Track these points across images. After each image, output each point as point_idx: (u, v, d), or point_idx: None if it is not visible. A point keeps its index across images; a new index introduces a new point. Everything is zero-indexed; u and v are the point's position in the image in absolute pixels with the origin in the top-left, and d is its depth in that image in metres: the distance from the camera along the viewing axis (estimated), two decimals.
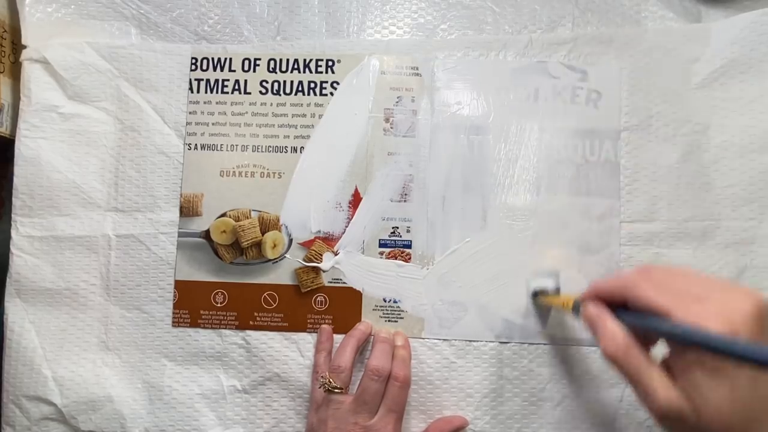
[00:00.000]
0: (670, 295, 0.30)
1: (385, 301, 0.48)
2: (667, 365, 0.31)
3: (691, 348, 0.29)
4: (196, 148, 0.49)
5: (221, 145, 0.49)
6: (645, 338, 0.32)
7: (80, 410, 0.47)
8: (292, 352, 0.48)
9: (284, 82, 0.50)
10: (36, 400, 0.47)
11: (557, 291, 0.47)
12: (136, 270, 0.49)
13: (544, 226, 0.48)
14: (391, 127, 0.49)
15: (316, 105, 0.49)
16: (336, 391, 0.43)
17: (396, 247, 0.48)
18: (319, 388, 0.44)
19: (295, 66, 0.50)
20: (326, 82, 0.50)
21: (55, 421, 0.48)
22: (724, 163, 0.47)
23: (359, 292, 0.48)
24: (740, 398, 0.28)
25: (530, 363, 0.47)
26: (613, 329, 0.32)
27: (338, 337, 0.48)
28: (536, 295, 0.47)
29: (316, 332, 0.48)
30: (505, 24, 0.50)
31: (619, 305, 0.34)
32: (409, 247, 0.48)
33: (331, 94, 0.50)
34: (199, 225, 0.49)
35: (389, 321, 0.48)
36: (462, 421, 0.46)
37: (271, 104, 0.50)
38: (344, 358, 0.44)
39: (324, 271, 0.48)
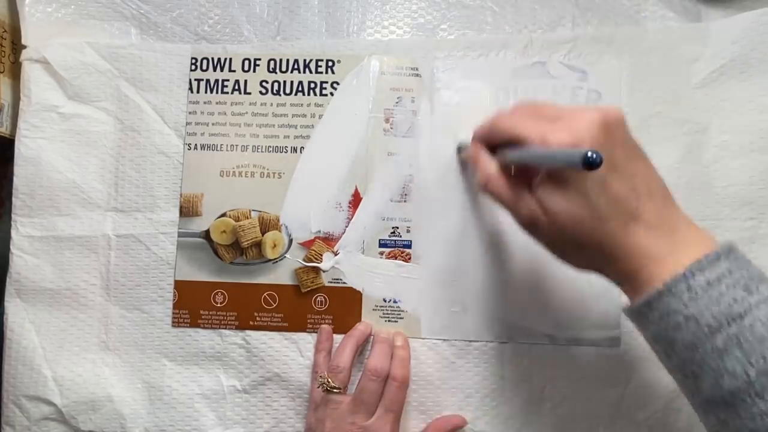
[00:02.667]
0: (530, 123, 0.33)
1: (385, 301, 0.48)
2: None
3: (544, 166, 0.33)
4: (196, 148, 0.49)
5: (221, 145, 0.49)
6: (529, 170, 0.35)
7: (80, 410, 0.47)
8: (292, 352, 0.48)
9: (284, 82, 0.50)
10: (36, 400, 0.47)
11: None
12: (136, 270, 0.49)
13: None
14: (391, 127, 0.49)
15: (316, 105, 0.49)
16: (334, 391, 0.43)
17: (396, 247, 0.48)
18: (318, 387, 0.44)
19: (295, 66, 0.50)
20: (326, 82, 0.50)
21: (55, 421, 0.48)
22: (724, 162, 0.47)
23: (359, 292, 0.48)
24: (587, 202, 0.31)
25: (530, 363, 0.47)
26: (485, 163, 0.36)
27: (338, 338, 0.48)
28: (459, 150, 0.47)
29: (316, 332, 0.48)
30: (505, 24, 0.50)
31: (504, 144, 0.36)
32: (409, 247, 0.48)
33: (331, 94, 0.50)
34: (199, 225, 0.49)
35: (389, 321, 0.48)
36: (460, 420, 0.46)
37: (271, 104, 0.50)
38: (343, 359, 0.44)
39: (324, 271, 0.48)
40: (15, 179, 0.49)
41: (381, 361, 0.44)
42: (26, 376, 0.48)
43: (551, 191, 0.32)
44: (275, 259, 0.48)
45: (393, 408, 0.43)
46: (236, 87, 0.50)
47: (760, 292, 0.29)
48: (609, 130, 0.32)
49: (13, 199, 0.49)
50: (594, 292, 0.47)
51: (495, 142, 0.37)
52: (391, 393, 0.43)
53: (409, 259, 0.48)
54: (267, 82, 0.50)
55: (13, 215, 0.49)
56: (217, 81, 0.50)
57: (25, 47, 0.49)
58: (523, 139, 0.33)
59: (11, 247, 0.48)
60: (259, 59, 0.50)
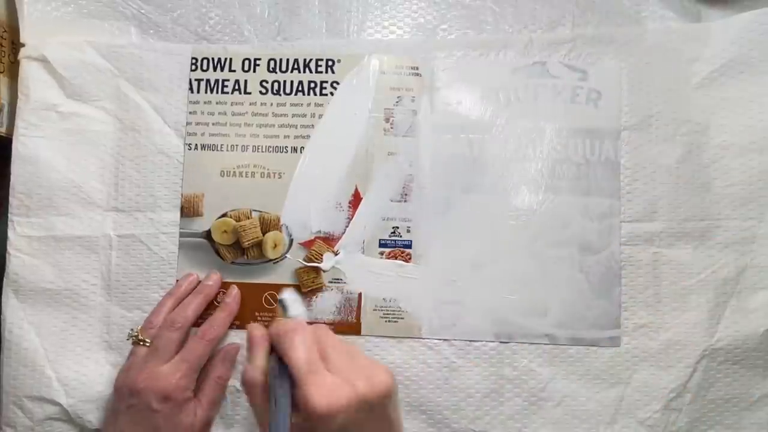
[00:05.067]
0: (307, 356, 0.34)
1: (385, 301, 0.48)
2: None
3: None
4: (196, 148, 0.49)
5: (221, 145, 0.49)
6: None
7: (87, 409, 0.47)
8: None
9: (284, 82, 0.50)
10: (40, 400, 0.47)
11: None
12: (137, 270, 0.49)
13: (545, 225, 0.48)
14: (391, 127, 0.49)
15: (316, 105, 0.49)
16: (141, 343, 0.44)
17: (396, 247, 0.48)
18: (127, 339, 0.45)
19: (295, 66, 0.50)
20: (326, 82, 0.50)
21: (59, 420, 0.47)
22: (724, 162, 0.47)
23: (359, 292, 0.48)
24: None
25: (530, 363, 0.47)
26: (258, 363, 0.36)
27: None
28: (281, 303, 0.41)
29: None
30: (505, 24, 0.50)
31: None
32: (409, 247, 0.48)
33: (331, 94, 0.50)
34: (200, 225, 0.49)
35: (389, 321, 0.48)
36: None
37: (271, 104, 0.50)
38: (158, 318, 0.45)
39: (324, 271, 0.48)
40: (12, 178, 0.48)
41: (181, 312, 0.45)
42: (28, 377, 0.47)
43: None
44: (276, 259, 0.48)
45: (188, 358, 0.43)
46: (236, 87, 0.50)
47: None
48: (363, 413, 0.33)
49: (11, 198, 0.48)
50: (594, 292, 0.47)
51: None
52: (192, 345, 0.44)
53: (409, 259, 0.48)
54: (267, 82, 0.50)
55: (10, 215, 0.48)
56: (217, 81, 0.50)
57: (23, 45, 0.49)
58: (295, 374, 0.33)
59: (8, 247, 0.48)
60: (259, 59, 0.50)
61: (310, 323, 0.38)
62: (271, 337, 0.37)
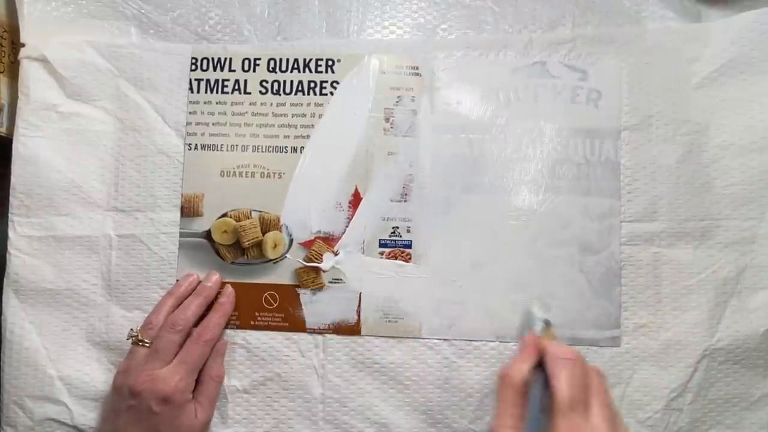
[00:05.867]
0: (572, 396, 0.35)
1: (385, 301, 0.48)
2: None
3: None
4: (196, 148, 0.49)
5: (221, 145, 0.49)
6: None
7: (90, 407, 0.47)
8: (293, 352, 0.48)
9: (284, 82, 0.50)
10: (42, 400, 0.47)
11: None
12: (137, 270, 0.49)
13: (545, 225, 0.48)
14: (391, 127, 0.49)
15: (316, 105, 0.49)
16: (140, 344, 0.44)
17: (396, 247, 0.48)
18: (128, 339, 0.45)
19: (295, 66, 0.50)
20: (326, 81, 0.50)
21: (61, 420, 0.47)
22: (724, 162, 0.47)
23: (359, 292, 0.48)
24: None
25: None
26: (523, 367, 0.38)
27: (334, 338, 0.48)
28: (529, 319, 0.45)
29: (317, 333, 0.48)
30: (505, 24, 0.50)
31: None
32: (409, 247, 0.48)
33: (331, 93, 0.50)
34: (200, 225, 0.49)
35: (389, 321, 0.48)
36: None
37: (271, 104, 0.50)
38: (158, 317, 0.45)
39: (324, 271, 0.48)
40: (12, 178, 0.48)
41: (182, 314, 0.45)
42: (30, 377, 0.47)
43: None
44: (276, 259, 0.48)
45: (187, 360, 0.43)
46: (236, 87, 0.50)
47: None
48: None
49: (11, 198, 0.48)
50: (594, 292, 0.47)
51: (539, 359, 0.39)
52: (190, 347, 0.44)
53: (409, 259, 0.48)
54: (267, 81, 0.50)
55: (10, 215, 0.48)
56: (217, 81, 0.50)
57: (23, 45, 0.49)
58: (554, 390, 0.35)
59: (9, 247, 0.48)
60: (259, 59, 0.50)
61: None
62: (546, 353, 0.38)
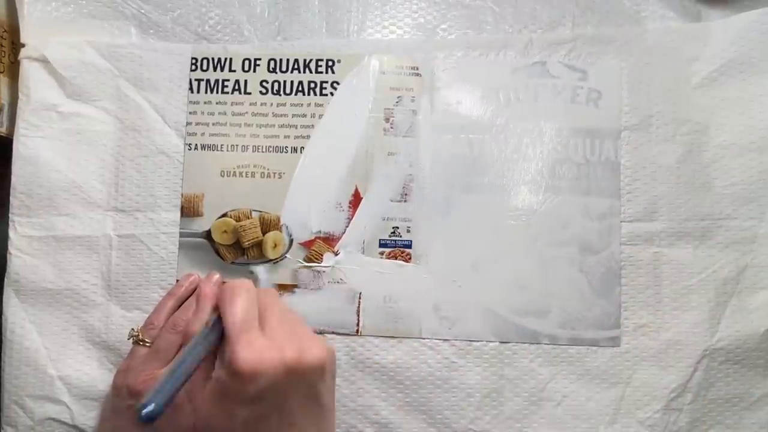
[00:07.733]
0: (245, 321, 0.34)
1: (385, 301, 0.48)
2: None
3: None
4: (196, 148, 0.49)
5: (222, 145, 0.49)
6: None
7: (90, 407, 0.47)
8: None
9: (284, 82, 0.50)
10: (42, 399, 0.47)
11: None
12: (138, 270, 0.49)
13: (545, 225, 0.48)
14: (391, 127, 0.49)
15: (316, 105, 0.49)
16: (140, 343, 0.43)
17: (396, 247, 0.48)
18: (128, 338, 0.44)
19: (295, 66, 0.50)
20: (326, 82, 0.50)
21: (62, 419, 0.47)
22: (724, 162, 0.47)
23: (359, 292, 0.48)
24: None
25: (530, 363, 0.47)
26: (201, 316, 0.38)
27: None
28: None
29: (317, 332, 0.48)
30: (505, 24, 0.50)
31: None
32: (409, 247, 0.48)
33: (331, 94, 0.50)
34: (200, 225, 0.49)
35: (389, 321, 0.48)
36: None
37: (272, 104, 0.50)
38: (159, 317, 0.45)
39: (324, 272, 0.48)
40: (13, 178, 0.48)
41: (182, 315, 0.44)
42: (31, 377, 0.47)
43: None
44: (276, 259, 0.48)
45: None
46: (236, 87, 0.50)
47: None
48: (296, 379, 0.34)
49: (11, 198, 0.48)
50: (594, 292, 0.47)
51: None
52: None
53: (409, 259, 0.48)
54: (267, 82, 0.50)
55: (10, 215, 0.48)
56: (217, 81, 0.50)
57: (24, 45, 0.49)
58: (224, 319, 0.35)
59: (9, 247, 0.48)
60: (260, 59, 0.50)
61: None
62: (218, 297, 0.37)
